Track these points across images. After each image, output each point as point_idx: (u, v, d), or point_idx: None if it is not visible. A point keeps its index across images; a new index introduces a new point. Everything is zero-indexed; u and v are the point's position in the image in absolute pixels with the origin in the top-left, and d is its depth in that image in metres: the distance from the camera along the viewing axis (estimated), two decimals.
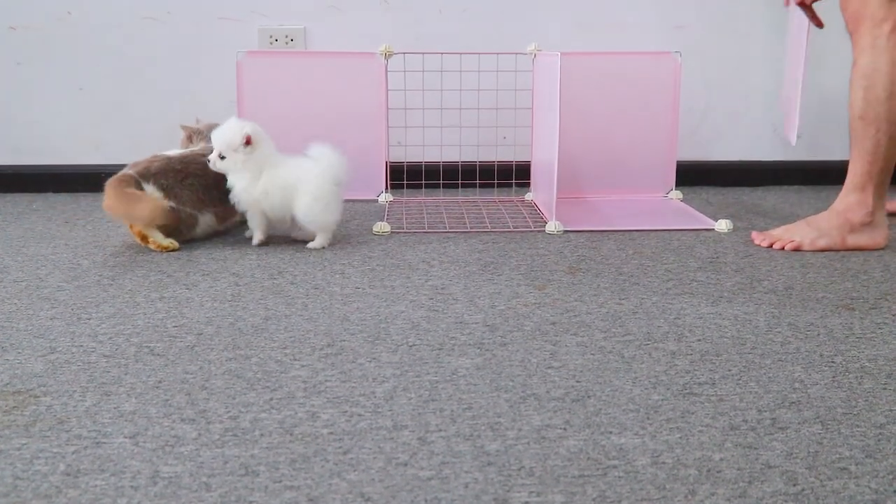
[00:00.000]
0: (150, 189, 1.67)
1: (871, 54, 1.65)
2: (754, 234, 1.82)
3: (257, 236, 1.76)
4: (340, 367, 1.13)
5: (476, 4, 2.41)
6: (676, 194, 2.26)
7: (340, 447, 0.92)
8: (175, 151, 1.80)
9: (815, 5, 1.82)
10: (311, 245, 1.75)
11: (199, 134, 1.91)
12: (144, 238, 1.69)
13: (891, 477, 0.86)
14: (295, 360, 1.16)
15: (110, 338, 1.24)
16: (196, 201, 1.73)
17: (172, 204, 1.68)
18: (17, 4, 2.35)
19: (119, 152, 2.44)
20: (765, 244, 1.77)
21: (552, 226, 1.90)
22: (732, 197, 2.31)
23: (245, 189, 1.70)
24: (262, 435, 0.94)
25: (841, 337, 1.26)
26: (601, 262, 1.66)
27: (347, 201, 2.23)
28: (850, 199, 1.77)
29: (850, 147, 1.75)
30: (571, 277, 1.55)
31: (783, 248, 1.75)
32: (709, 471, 0.87)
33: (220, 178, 1.73)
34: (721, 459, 0.89)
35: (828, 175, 2.54)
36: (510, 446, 0.92)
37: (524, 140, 2.29)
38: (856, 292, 1.47)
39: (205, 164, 1.73)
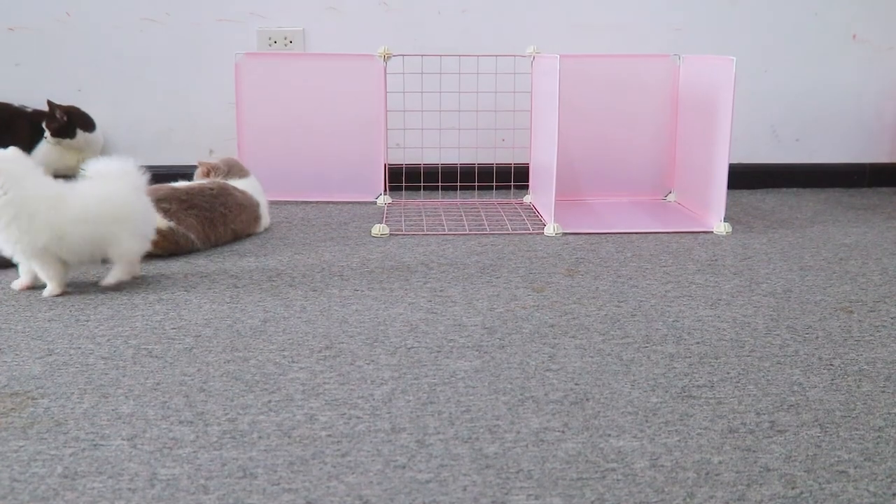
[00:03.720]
0: None
1: None
2: None
3: (53, 289, 1.44)
4: (339, 369, 1.13)
5: (475, 6, 2.41)
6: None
7: (339, 449, 0.92)
8: (182, 183, 1.79)
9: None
10: (105, 282, 1.47)
11: (217, 169, 1.89)
12: None
13: (889, 480, 0.86)
14: (293, 362, 1.15)
15: (108, 340, 1.23)
16: (199, 231, 1.71)
17: (173, 224, 1.67)
18: (16, 5, 2.35)
19: (117, 154, 2.44)
20: None
21: (551, 228, 1.90)
22: (731, 199, 2.31)
23: (25, 235, 1.38)
24: (260, 437, 0.94)
25: (839, 340, 1.26)
26: (600, 264, 1.66)
27: (346, 203, 2.23)
28: None
29: None
30: (570, 280, 1.55)
31: None
32: (707, 474, 0.87)
33: (225, 215, 1.75)
34: (720, 462, 0.89)
35: (826, 177, 2.55)
36: (508, 449, 0.92)
37: (523, 142, 2.29)
38: (854, 295, 1.47)
39: (210, 199, 1.73)
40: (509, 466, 0.88)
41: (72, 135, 2.22)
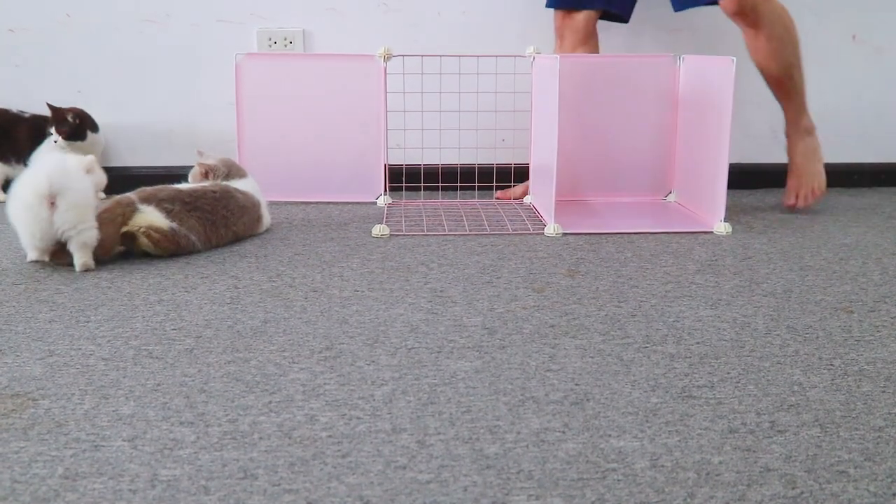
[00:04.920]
0: (149, 210, 1.65)
1: (781, 25, 2.06)
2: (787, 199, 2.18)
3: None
4: (339, 370, 1.13)
5: (475, 7, 2.41)
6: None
7: (339, 450, 0.92)
8: (185, 185, 1.79)
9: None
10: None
11: (216, 170, 1.89)
12: (134, 238, 1.66)
13: (889, 480, 0.86)
14: (294, 362, 1.15)
15: (109, 341, 1.23)
16: (200, 233, 1.71)
17: (175, 225, 1.67)
18: (16, 7, 2.35)
19: (118, 155, 2.44)
20: (801, 204, 2.15)
21: (551, 228, 1.90)
22: (731, 199, 2.31)
23: None
24: (260, 438, 0.94)
25: (840, 340, 1.26)
26: (600, 264, 1.66)
27: (346, 204, 2.23)
28: (806, 120, 2.18)
29: (786, 94, 2.14)
30: (570, 280, 1.55)
31: (816, 196, 2.16)
32: (707, 474, 0.87)
33: (227, 217, 1.76)
34: (720, 462, 0.89)
35: (825, 177, 2.55)
36: (509, 449, 0.92)
37: (523, 143, 2.29)
38: (854, 295, 1.47)
39: (213, 201, 1.74)
40: (510, 467, 0.88)
41: (83, 137, 2.22)
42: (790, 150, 2.20)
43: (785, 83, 2.12)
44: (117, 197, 1.67)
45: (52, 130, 2.19)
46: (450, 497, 0.83)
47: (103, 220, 1.61)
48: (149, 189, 1.70)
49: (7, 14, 2.35)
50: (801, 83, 2.14)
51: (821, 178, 2.16)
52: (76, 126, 2.20)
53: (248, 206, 1.83)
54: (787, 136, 2.19)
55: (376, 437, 0.94)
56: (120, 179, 2.28)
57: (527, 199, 2.28)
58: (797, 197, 2.15)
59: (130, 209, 1.64)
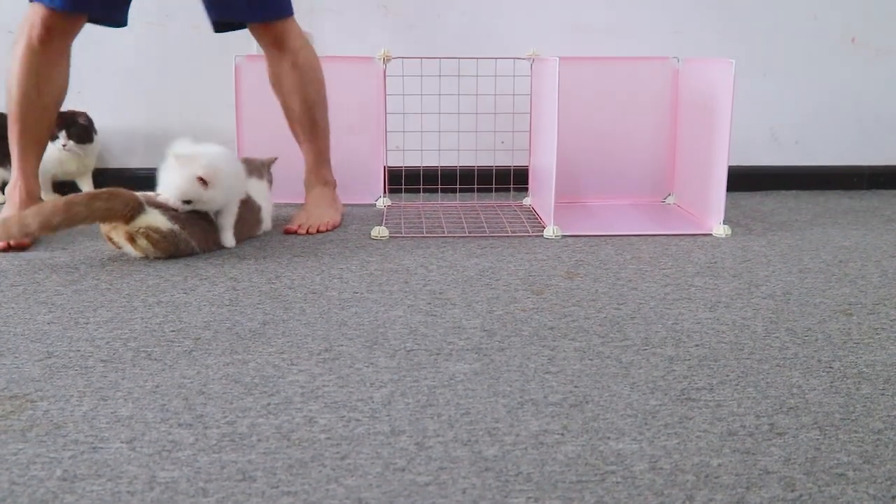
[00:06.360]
0: (154, 212, 1.65)
1: (306, 55, 1.96)
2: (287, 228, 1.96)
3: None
4: (338, 371, 1.13)
5: (474, 9, 2.41)
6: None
7: (338, 452, 0.91)
8: None
9: None
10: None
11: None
12: (132, 239, 1.66)
13: (889, 483, 0.86)
14: (292, 364, 1.15)
15: (107, 342, 1.23)
16: (200, 238, 1.71)
17: (176, 227, 1.67)
18: (16, 8, 2.35)
19: (118, 157, 2.44)
20: (301, 231, 1.93)
21: (550, 230, 1.90)
22: (730, 202, 2.31)
23: None
24: (259, 440, 0.94)
25: (839, 342, 1.26)
26: (599, 266, 1.66)
27: (345, 205, 2.23)
28: (326, 171, 2.08)
29: (307, 136, 2.03)
30: (569, 282, 1.55)
31: (318, 231, 1.94)
32: (707, 476, 0.87)
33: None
34: (719, 465, 0.89)
35: (825, 180, 2.55)
36: (508, 452, 0.92)
37: (522, 145, 2.30)
38: (854, 297, 1.47)
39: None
40: (508, 469, 0.88)
41: (91, 139, 2.21)
42: (305, 196, 2.09)
43: (305, 122, 2.02)
44: (126, 192, 1.66)
45: (62, 134, 2.17)
46: (448, 499, 0.82)
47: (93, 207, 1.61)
48: (152, 194, 1.71)
49: (7, 15, 2.35)
50: (326, 130, 2.05)
51: (329, 218, 2.00)
52: (87, 128, 2.19)
53: (245, 213, 1.83)
54: (305, 184, 2.09)
55: (375, 440, 0.94)
56: (119, 181, 2.28)
57: (526, 201, 2.28)
58: (300, 226, 1.95)
59: (137, 207, 1.64)
